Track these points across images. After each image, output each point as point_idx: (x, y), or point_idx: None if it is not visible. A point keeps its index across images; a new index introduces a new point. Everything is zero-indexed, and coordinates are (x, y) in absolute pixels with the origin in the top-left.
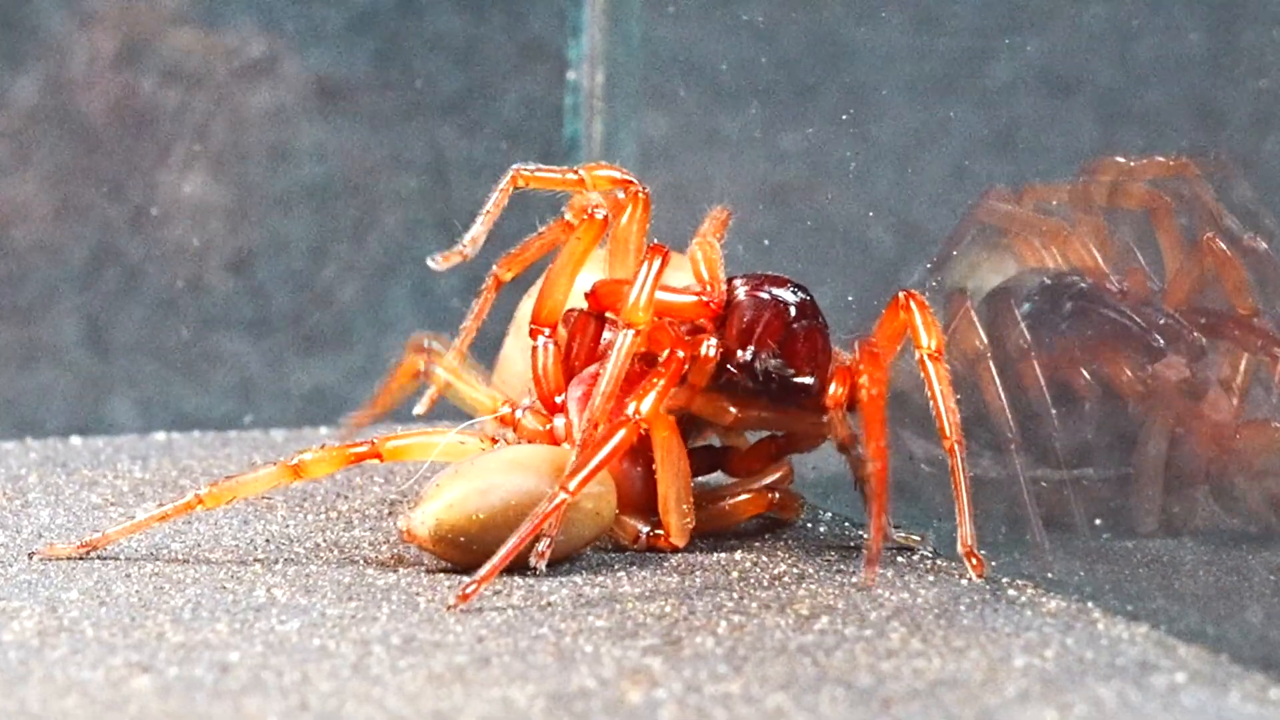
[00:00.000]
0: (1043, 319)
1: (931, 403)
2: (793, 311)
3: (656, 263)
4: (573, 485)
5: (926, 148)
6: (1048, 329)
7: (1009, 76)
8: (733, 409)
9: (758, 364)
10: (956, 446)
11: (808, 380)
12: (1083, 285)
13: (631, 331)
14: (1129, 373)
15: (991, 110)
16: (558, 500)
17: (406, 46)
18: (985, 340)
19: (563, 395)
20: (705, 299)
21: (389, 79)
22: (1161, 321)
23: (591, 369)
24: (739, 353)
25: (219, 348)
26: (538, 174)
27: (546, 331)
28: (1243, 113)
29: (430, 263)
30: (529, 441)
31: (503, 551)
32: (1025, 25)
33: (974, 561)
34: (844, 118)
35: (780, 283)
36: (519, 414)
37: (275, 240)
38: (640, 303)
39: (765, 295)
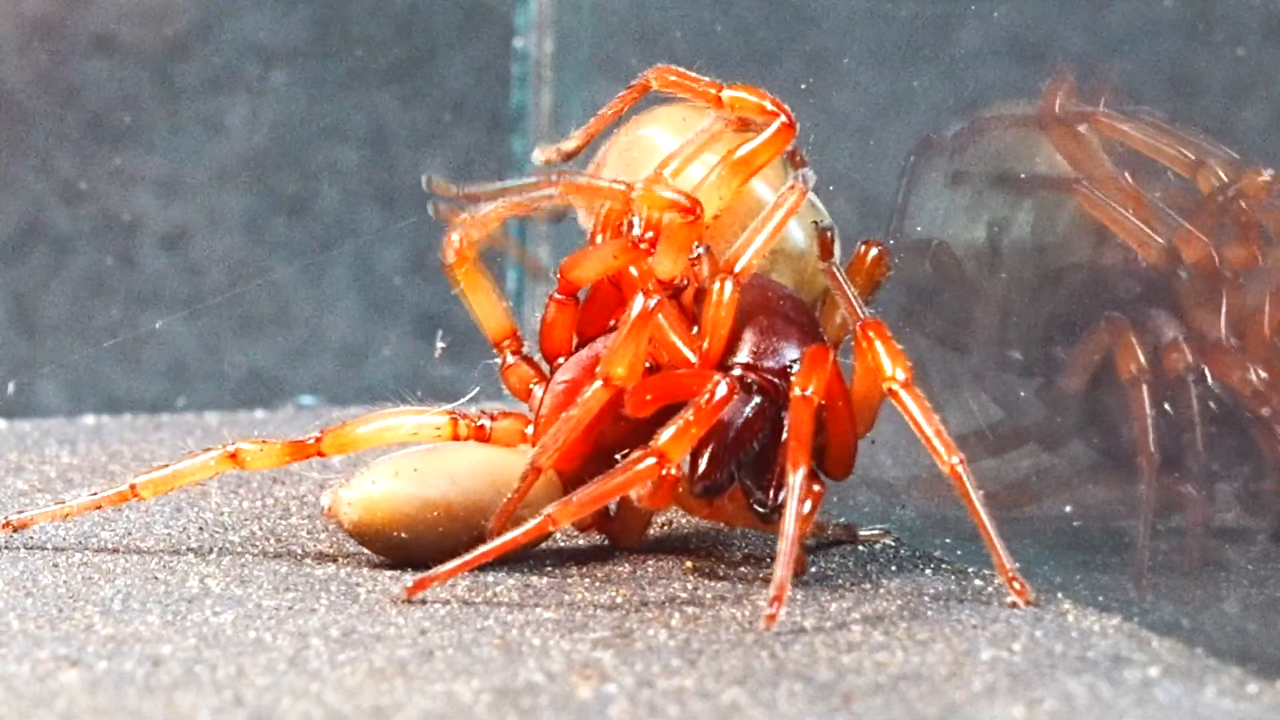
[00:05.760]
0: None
1: (918, 433)
2: (779, 408)
3: (651, 304)
4: (566, 517)
5: (889, 118)
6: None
7: (976, 44)
8: (697, 503)
9: (718, 477)
10: (960, 466)
11: (765, 511)
12: (1204, 387)
13: (600, 384)
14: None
15: (957, 79)
16: (540, 521)
17: (346, 12)
18: (1144, 364)
19: (563, 358)
20: (694, 358)
21: (328, 46)
22: None
23: (597, 345)
24: (693, 471)
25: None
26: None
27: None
28: (1218, 80)
29: (536, 155)
30: (511, 390)
31: (475, 553)
32: None
33: (1017, 586)
34: (803, 87)
35: (783, 349)
36: (511, 359)
37: (209, 215)
38: (623, 358)
39: (751, 384)
